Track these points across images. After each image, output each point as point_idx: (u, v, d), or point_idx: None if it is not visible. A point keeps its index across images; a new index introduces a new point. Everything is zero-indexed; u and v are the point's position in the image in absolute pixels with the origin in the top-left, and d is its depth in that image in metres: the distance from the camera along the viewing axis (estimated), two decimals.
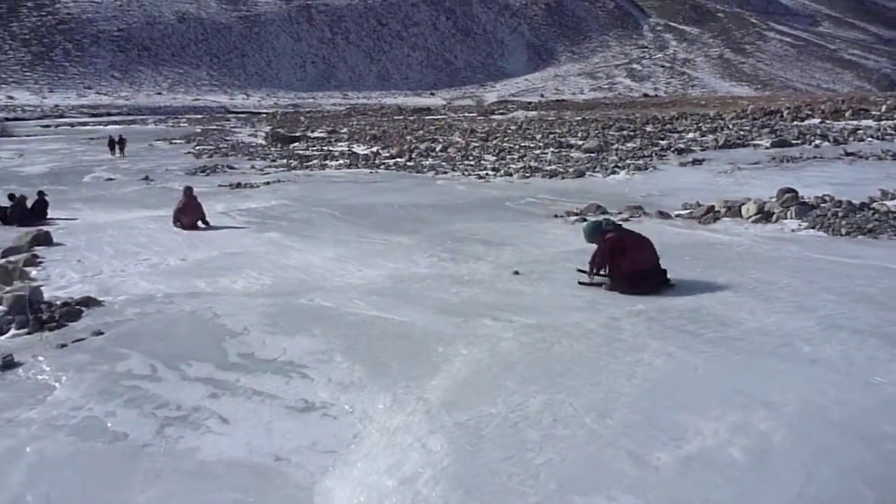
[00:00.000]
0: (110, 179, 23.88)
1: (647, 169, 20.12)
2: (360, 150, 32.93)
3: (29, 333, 7.22)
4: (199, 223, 13.53)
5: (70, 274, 9.88)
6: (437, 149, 30.04)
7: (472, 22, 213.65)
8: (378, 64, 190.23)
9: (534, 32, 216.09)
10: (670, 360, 5.60)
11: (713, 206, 12.58)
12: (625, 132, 30.60)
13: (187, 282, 9.19)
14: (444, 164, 24.91)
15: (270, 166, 27.00)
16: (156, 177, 24.04)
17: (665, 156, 22.58)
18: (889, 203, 12.04)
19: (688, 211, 13.00)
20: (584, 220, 11.84)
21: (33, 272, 10.03)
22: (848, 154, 20.12)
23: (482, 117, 60.36)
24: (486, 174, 21.22)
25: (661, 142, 26.67)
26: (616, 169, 20.31)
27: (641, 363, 5.55)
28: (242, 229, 13.30)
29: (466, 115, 68.13)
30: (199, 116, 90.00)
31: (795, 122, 31.75)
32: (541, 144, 28.87)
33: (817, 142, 23.51)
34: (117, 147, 34.22)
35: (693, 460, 4.10)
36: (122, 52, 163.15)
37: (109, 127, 62.26)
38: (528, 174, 20.57)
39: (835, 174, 17.01)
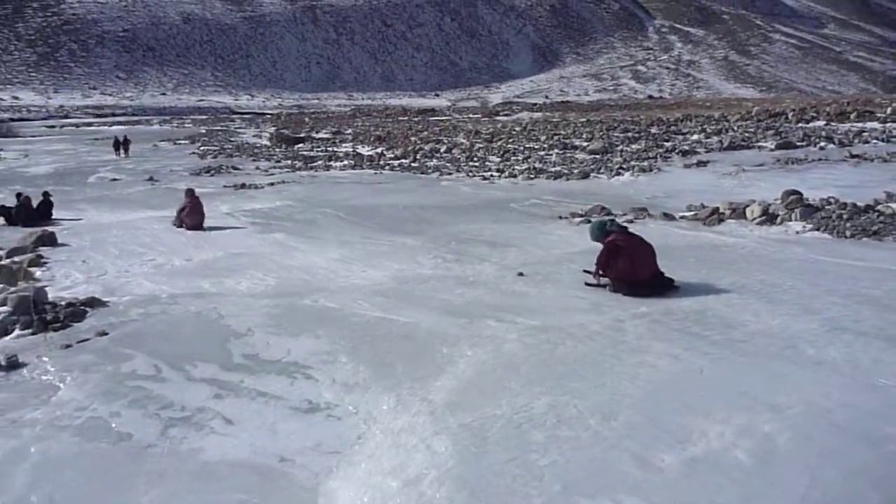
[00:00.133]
0: (115, 180, 23.92)
1: (651, 170, 20.09)
2: (364, 151, 32.95)
3: (33, 334, 7.24)
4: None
5: (75, 274, 9.90)
6: (442, 150, 30.04)
7: (477, 23, 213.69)
8: (383, 65, 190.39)
9: (539, 34, 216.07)
10: (675, 362, 5.59)
11: (718, 208, 12.56)
12: (629, 134, 30.53)
13: (192, 282, 9.21)
14: (448, 165, 24.91)
15: (275, 167, 27.03)
16: (160, 177, 24.08)
17: (670, 157, 22.53)
18: (894, 205, 12.00)
19: (692, 213, 12.97)
20: (589, 221, 11.83)
21: (38, 272, 10.05)
22: (853, 156, 20.05)
23: (487, 118, 60.34)
24: (491, 175, 21.22)
25: (665, 143, 26.61)
26: (621, 170, 20.28)
27: (646, 365, 5.55)
28: (247, 230, 13.32)
29: (471, 116, 68.11)
30: (204, 117, 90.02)
31: (800, 124, 31.64)
32: (545, 146, 28.84)
33: (822, 144, 23.41)
34: (122, 148, 34.30)
35: (698, 462, 4.09)
36: (127, 52, 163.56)
37: (114, 127, 62.36)
38: (532, 175, 20.56)
39: (840, 176, 16.95)
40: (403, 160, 27.59)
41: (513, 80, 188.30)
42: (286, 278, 9.28)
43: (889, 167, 18.16)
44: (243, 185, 20.71)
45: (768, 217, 11.80)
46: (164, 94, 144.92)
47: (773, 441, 4.26)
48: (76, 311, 7.77)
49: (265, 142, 42.50)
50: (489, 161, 25.41)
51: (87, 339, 6.94)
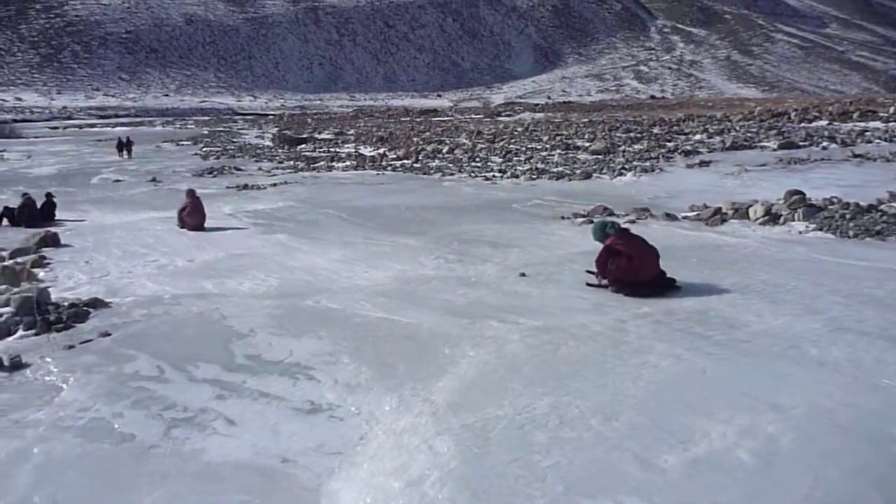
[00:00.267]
0: (118, 181, 23.95)
1: (653, 171, 20.08)
2: (366, 151, 32.97)
3: (36, 334, 7.25)
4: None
5: (78, 275, 9.91)
6: (444, 150, 30.04)
7: (479, 24, 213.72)
8: (385, 66, 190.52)
9: (541, 34, 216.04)
10: (677, 362, 5.59)
11: (720, 208, 12.55)
12: (632, 134, 30.51)
13: (194, 283, 9.22)
14: (450, 165, 24.91)
15: (277, 168, 27.06)
16: (163, 178, 24.11)
17: (672, 158, 22.51)
18: None
19: (695, 213, 12.96)
20: (591, 222, 11.83)
21: (41, 273, 10.06)
22: (856, 156, 20.02)
23: (489, 119, 60.33)
24: (493, 176, 21.21)
25: (668, 144, 26.59)
26: (623, 171, 20.26)
27: (648, 365, 5.54)
28: (249, 231, 13.33)
29: (473, 116, 68.11)
30: (207, 118, 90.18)
31: (803, 124, 31.60)
32: (547, 146, 28.82)
33: (825, 143, 23.38)
34: (125, 149, 34.36)
35: (700, 463, 4.09)
36: (130, 53, 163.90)
37: (117, 129, 62.50)
38: (534, 176, 20.55)
39: (842, 176, 16.92)
40: (406, 161, 27.60)
41: (515, 81, 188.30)
42: (288, 279, 9.29)
43: (892, 167, 18.13)
44: (246, 186, 20.73)
45: (771, 217, 11.78)
46: (166, 95, 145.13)
47: (775, 441, 4.26)
48: (79, 311, 7.78)
49: (267, 143, 42.54)
50: (491, 161, 25.40)
51: (90, 340, 6.95)
